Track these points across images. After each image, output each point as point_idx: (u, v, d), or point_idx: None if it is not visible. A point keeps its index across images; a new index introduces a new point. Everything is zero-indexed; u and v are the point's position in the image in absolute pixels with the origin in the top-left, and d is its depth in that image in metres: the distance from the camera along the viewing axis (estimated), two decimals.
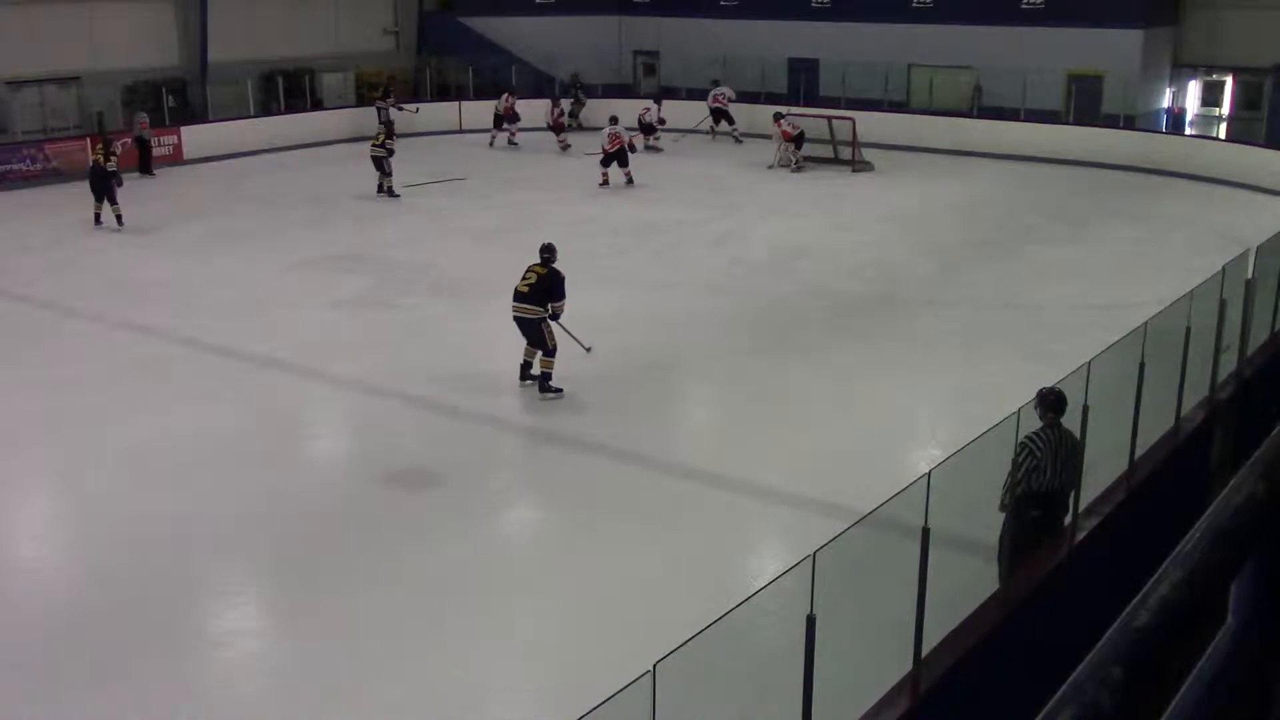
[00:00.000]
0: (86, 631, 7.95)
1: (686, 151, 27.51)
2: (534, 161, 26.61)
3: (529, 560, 9.24)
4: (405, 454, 10.94)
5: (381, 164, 22.27)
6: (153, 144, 25.09)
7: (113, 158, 20.04)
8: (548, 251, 12.17)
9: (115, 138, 22.52)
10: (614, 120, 23.70)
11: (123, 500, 9.99)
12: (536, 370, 12.16)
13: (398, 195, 22.32)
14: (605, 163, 23.21)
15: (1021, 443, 7.40)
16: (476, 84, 30.78)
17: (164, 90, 27.27)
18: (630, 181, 23.31)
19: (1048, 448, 7.40)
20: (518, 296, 12.00)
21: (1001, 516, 7.46)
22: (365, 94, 30.31)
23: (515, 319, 12.04)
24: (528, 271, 12.06)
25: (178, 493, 10.08)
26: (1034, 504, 7.38)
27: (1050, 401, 7.71)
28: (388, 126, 25.65)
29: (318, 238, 19.32)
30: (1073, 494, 7.59)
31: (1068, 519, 7.53)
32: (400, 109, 28.63)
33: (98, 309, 15.38)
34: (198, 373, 13.11)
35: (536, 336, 12.00)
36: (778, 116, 25.63)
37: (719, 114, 29.17)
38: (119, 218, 19.73)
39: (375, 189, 22.37)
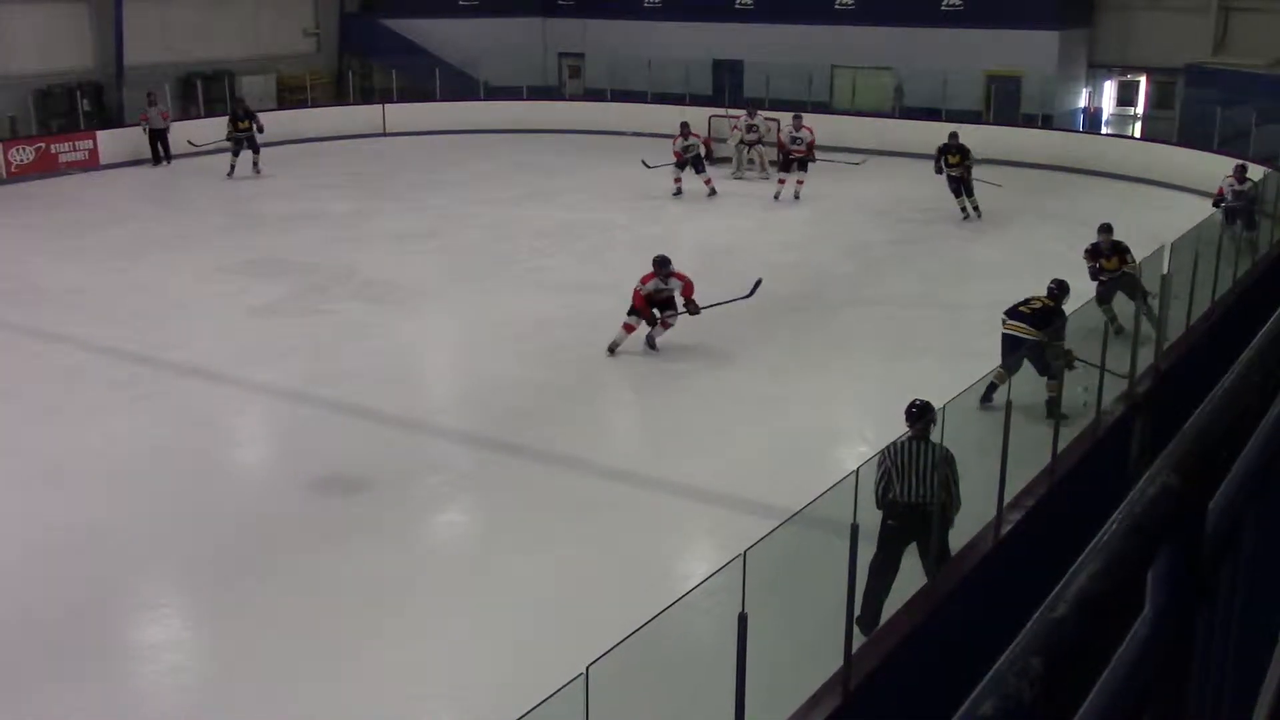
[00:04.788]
0: None
1: (611, 153, 27.49)
2: (454, 163, 26.37)
3: (458, 564, 9.18)
4: (330, 459, 10.81)
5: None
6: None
7: None
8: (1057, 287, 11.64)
9: None
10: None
11: (37, 511, 9.74)
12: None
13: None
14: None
15: (882, 451, 7.35)
16: (399, 86, 30.51)
17: (79, 94, 26.66)
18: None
19: (901, 458, 7.24)
20: (1016, 315, 11.24)
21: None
22: (285, 98, 29.79)
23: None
24: (1032, 298, 11.47)
25: (94, 503, 9.87)
26: (890, 513, 7.27)
27: (910, 413, 7.71)
28: (241, 145, 24.03)
29: (238, 243, 19.02)
30: (955, 512, 7.41)
31: (1000, 524, 7.62)
32: (261, 130, 24.82)
33: (9, 317, 14.99)
34: (116, 381, 12.83)
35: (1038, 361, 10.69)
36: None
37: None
38: None
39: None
